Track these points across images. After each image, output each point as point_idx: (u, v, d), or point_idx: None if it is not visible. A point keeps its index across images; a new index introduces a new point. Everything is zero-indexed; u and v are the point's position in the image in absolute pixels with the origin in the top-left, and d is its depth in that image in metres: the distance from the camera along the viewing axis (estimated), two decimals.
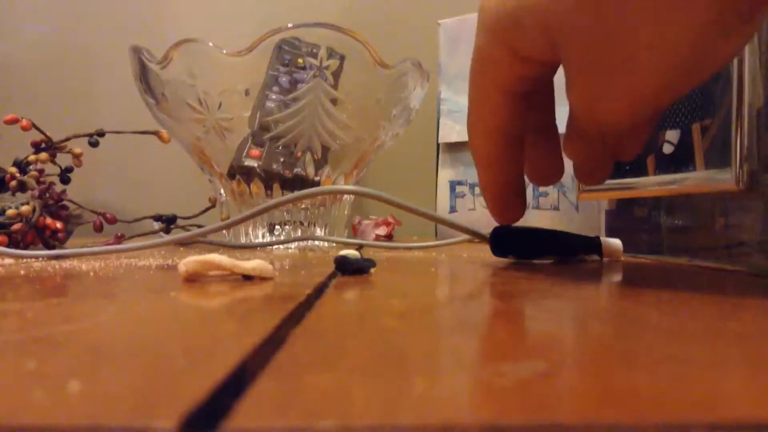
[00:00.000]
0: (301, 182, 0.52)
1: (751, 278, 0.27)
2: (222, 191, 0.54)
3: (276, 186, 0.52)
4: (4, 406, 0.09)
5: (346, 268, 0.29)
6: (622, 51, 0.22)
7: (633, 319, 0.17)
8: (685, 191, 0.33)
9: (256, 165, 0.51)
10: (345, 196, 0.55)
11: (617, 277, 0.28)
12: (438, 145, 0.68)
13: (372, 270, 0.29)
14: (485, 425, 0.08)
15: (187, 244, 0.54)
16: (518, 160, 0.31)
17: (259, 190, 0.52)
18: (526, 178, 0.32)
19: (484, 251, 0.46)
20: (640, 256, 0.40)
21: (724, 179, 0.30)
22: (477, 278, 0.27)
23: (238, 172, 0.52)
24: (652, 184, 0.36)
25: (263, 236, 0.53)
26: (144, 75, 0.50)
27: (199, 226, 0.59)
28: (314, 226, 0.54)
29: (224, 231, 0.54)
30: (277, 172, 0.52)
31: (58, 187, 0.54)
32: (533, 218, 0.59)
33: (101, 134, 0.56)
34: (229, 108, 0.50)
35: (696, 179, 0.32)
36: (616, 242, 0.36)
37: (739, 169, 0.29)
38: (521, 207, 0.32)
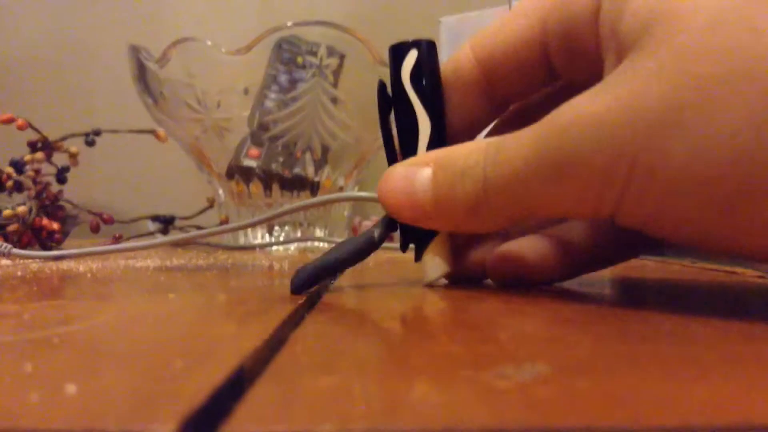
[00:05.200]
0: (301, 182, 0.52)
1: (755, 279, 0.27)
2: (220, 191, 0.54)
3: (275, 186, 0.52)
4: (0, 409, 0.09)
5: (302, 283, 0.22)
6: None
7: (635, 320, 0.17)
8: None
9: (255, 165, 0.51)
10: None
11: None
12: None
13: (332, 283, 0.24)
14: (486, 428, 0.08)
15: (185, 244, 0.54)
16: None
17: (258, 191, 0.52)
18: None
19: None
20: (643, 257, 0.40)
21: None
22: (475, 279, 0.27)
23: (236, 172, 0.52)
24: None
25: (262, 237, 0.53)
26: (142, 74, 0.50)
27: (198, 227, 0.59)
28: (314, 226, 0.54)
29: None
30: (277, 172, 0.51)
31: (55, 187, 0.53)
32: None
33: (98, 133, 0.55)
34: (227, 107, 0.49)
35: None
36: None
37: None
38: None
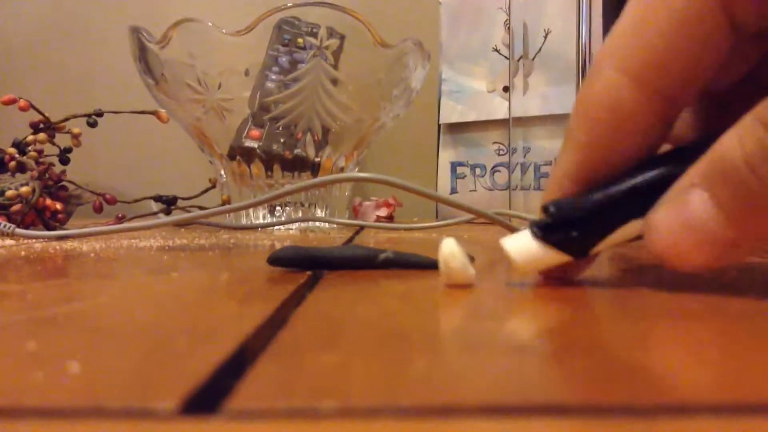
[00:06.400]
0: (302, 163, 0.52)
1: (752, 258, 0.27)
2: (222, 172, 0.54)
3: (276, 167, 0.52)
4: (4, 387, 0.09)
5: None
6: None
7: (634, 300, 0.17)
8: None
9: (256, 146, 0.51)
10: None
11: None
12: (439, 125, 0.67)
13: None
14: (485, 406, 0.08)
15: (187, 224, 0.54)
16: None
17: (259, 171, 0.52)
18: None
19: (485, 231, 0.46)
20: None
21: None
22: (477, 258, 0.27)
23: (238, 153, 0.52)
24: None
25: (264, 217, 0.53)
26: (143, 55, 0.50)
27: (200, 207, 0.59)
28: (315, 207, 0.54)
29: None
30: (278, 153, 0.51)
31: (58, 168, 0.53)
32: (535, 201, 0.59)
33: (99, 114, 0.55)
34: (228, 88, 0.49)
35: None
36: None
37: None
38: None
